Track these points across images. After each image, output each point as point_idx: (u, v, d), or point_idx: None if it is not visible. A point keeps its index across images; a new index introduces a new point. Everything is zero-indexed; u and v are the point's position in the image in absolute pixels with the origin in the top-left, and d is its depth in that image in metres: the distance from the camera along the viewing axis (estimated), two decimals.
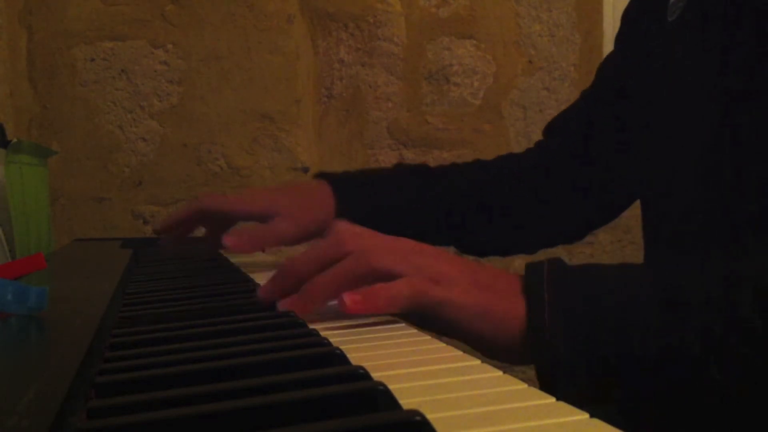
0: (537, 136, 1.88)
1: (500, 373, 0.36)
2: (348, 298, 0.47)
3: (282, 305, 0.51)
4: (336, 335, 0.45)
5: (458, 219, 0.88)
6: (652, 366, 0.46)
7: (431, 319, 0.50)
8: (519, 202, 0.89)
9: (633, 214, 0.88)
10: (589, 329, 0.47)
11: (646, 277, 0.50)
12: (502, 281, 0.51)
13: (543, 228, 0.91)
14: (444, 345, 0.42)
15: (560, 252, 1.57)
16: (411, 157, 1.76)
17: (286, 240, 0.81)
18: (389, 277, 0.49)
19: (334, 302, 0.49)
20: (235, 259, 0.86)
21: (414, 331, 0.46)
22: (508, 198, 0.89)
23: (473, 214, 0.88)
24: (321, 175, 0.88)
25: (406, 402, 0.30)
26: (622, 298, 0.48)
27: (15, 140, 0.85)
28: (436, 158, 1.77)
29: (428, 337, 0.44)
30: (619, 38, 0.85)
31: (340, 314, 0.50)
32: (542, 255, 0.71)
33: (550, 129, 0.93)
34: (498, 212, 0.89)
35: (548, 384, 0.48)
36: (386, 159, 1.76)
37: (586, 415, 0.29)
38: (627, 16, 0.83)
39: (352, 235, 0.52)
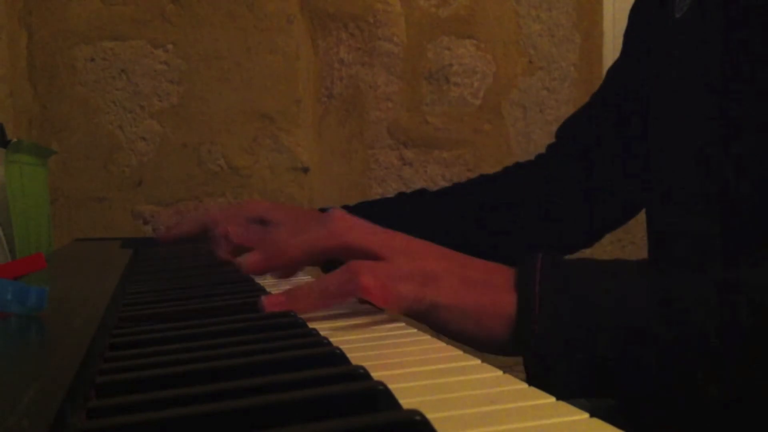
0: (537, 136, 1.86)
1: (500, 372, 0.36)
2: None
3: (269, 306, 0.50)
4: (336, 335, 0.45)
5: (460, 237, 0.86)
6: (645, 368, 0.46)
7: (424, 321, 0.50)
8: (523, 212, 0.87)
9: None
10: (579, 329, 0.46)
11: (641, 276, 0.50)
12: (497, 276, 0.50)
13: (549, 237, 0.89)
14: (444, 345, 0.42)
15: None
16: (411, 156, 1.76)
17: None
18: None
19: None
20: None
21: (414, 330, 0.46)
22: (512, 209, 0.88)
23: (473, 232, 0.87)
24: (323, 210, 0.87)
25: (406, 402, 0.30)
26: (615, 297, 0.47)
27: (15, 140, 0.85)
28: (436, 158, 1.77)
29: (428, 337, 0.44)
30: (627, 35, 0.84)
31: (339, 314, 0.51)
32: None
33: (560, 132, 0.92)
34: (501, 225, 0.87)
35: (536, 378, 0.47)
36: (386, 159, 1.76)
37: (586, 415, 0.29)
38: (634, 13, 0.82)
39: (347, 227, 0.53)
